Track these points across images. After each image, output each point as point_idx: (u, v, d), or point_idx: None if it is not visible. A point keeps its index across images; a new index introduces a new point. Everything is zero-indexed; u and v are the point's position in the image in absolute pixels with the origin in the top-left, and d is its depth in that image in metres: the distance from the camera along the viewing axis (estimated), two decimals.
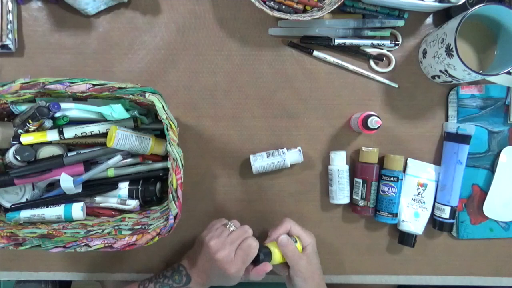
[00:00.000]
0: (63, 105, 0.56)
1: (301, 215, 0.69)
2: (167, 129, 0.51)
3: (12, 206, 0.60)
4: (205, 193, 0.69)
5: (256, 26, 0.67)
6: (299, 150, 0.66)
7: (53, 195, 0.62)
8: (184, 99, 0.68)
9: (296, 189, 0.69)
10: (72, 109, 0.57)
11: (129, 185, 0.63)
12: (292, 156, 0.66)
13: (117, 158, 0.60)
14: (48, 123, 0.58)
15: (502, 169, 0.67)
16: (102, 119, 0.60)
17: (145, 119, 0.62)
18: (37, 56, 0.66)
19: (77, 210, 0.60)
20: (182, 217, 0.69)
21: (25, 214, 0.59)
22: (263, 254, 0.58)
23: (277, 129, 0.68)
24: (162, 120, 0.51)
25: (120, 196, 0.63)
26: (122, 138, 0.56)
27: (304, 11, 0.64)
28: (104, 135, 0.59)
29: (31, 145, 0.59)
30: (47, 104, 0.55)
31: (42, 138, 0.58)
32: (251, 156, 0.66)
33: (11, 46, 0.64)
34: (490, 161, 0.68)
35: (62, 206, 0.60)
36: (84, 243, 0.52)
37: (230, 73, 0.68)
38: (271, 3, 0.63)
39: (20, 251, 0.69)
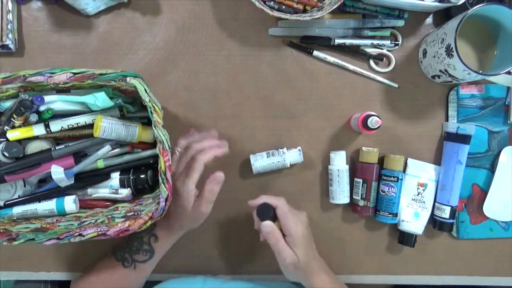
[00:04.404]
0: (47, 98, 0.56)
1: None
2: (151, 112, 0.51)
3: (6, 203, 0.60)
4: None
5: (256, 26, 0.67)
6: (299, 150, 0.66)
7: (44, 190, 0.61)
8: (184, 99, 0.68)
9: (296, 189, 0.69)
10: (55, 101, 0.57)
11: (120, 174, 0.62)
12: (292, 156, 0.66)
13: (106, 148, 0.59)
14: (33, 117, 0.57)
15: (502, 169, 0.67)
16: (88, 111, 0.59)
17: (131, 108, 0.61)
18: (37, 56, 0.66)
19: (69, 203, 0.59)
20: None
21: (17, 210, 0.59)
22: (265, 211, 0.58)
23: (277, 129, 0.68)
24: (145, 103, 0.51)
25: (112, 186, 0.62)
26: (108, 127, 0.56)
27: (304, 11, 0.65)
28: (91, 126, 0.58)
29: (19, 141, 0.59)
30: (30, 97, 0.55)
31: (29, 133, 0.58)
32: (251, 156, 0.66)
33: (11, 46, 0.64)
34: (490, 161, 0.68)
35: (54, 200, 0.60)
36: (77, 233, 0.52)
37: (230, 73, 0.68)
38: (271, 3, 0.63)
39: (19, 251, 0.69)
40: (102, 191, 0.62)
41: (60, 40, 0.66)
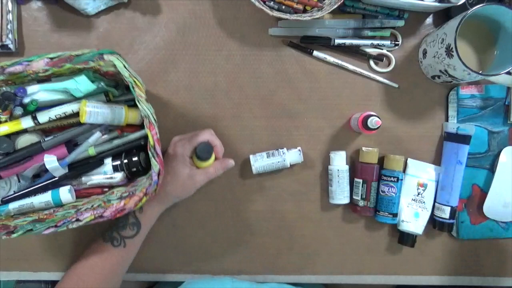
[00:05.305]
0: (29, 89, 0.56)
1: (301, 215, 0.69)
2: (132, 86, 0.50)
3: (3, 200, 0.60)
4: (205, 193, 0.69)
5: (256, 26, 0.67)
6: (299, 150, 0.66)
7: (38, 183, 0.61)
8: (184, 99, 0.68)
9: (296, 189, 0.69)
10: (38, 92, 0.56)
11: (112, 160, 0.62)
12: (292, 156, 0.66)
13: (97, 135, 0.59)
14: (18, 110, 0.57)
15: (502, 169, 0.67)
16: (73, 99, 0.59)
17: (115, 91, 0.60)
18: None
19: (65, 193, 0.59)
20: (182, 217, 0.69)
21: (14, 205, 0.59)
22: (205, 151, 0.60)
23: (277, 129, 0.68)
24: (126, 79, 0.50)
25: (105, 172, 0.62)
26: (94, 111, 0.56)
27: (304, 11, 0.64)
28: (79, 114, 0.58)
29: (8, 136, 0.59)
30: (13, 90, 0.55)
31: (17, 127, 0.58)
32: (251, 156, 0.66)
33: (11, 46, 0.64)
34: (490, 161, 0.68)
35: (50, 192, 0.59)
36: (75, 219, 0.52)
37: (230, 73, 0.68)
38: (271, 3, 0.63)
39: (19, 251, 0.69)
40: (96, 178, 0.61)
41: (60, 40, 0.66)
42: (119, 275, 0.62)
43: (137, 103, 0.50)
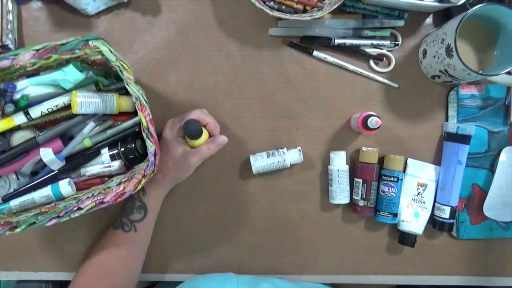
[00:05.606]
0: (19, 84, 0.56)
1: (301, 215, 0.69)
2: (120, 70, 0.50)
3: (3, 198, 0.60)
4: (205, 193, 0.69)
5: (256, 26, 0.67)
6: (299, 150, 0.66)
7: (37, 178, 0.61)
8: (184, 99, 0.68)
9: (296, 189, 0.69)
10: (27, 87, 0.56)
11: (109, 149, 0.62)
12: (292, 156, 0.66)
13: (90, 125, 0.59)
14: (10, 107, 0.57)
15: (502, 169, 0.67)
16: (64, 91, 0.58)
17: (104, 80, 0.60)
18: None
19: (64, 185, 0.59)
20: (183, 217, 0.69)
21: (15, 202, 0.59)
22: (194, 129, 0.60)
23: (277, 129, 0.68)
24: (113, 63, 0.50)
25: (103, 162, 0.62)
26: (85, 101, 0.56)
27: (304, 11, 0.65)
28: (71, 107, 0.58)
29: (3, 134, 0.58)
30: (1, 87, 0.55)
31: (10, 124, 0.57)
32: (251, 156, 0.66)
33: (11, 46, 0.64)
34: (490, 161, 0.68)
35: (49, 186, 0.59)
36: (76, 207, 0.52)
37: (230, 73, 0.68)
38: (271, 3, 0.63)
39: (20, 251, 0.69)
40: (94, 168, 0.61)
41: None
42: (137, 260, 0.62)
43: (127, 86, 0.50)
